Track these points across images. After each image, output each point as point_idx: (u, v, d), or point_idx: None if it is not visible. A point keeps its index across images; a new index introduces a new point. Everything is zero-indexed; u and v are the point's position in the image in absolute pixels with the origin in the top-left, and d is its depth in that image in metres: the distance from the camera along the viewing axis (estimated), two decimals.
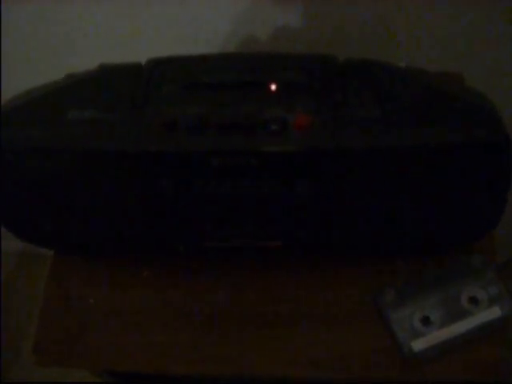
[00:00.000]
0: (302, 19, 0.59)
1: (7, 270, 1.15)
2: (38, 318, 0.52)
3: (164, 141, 0.41)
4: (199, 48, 0.62)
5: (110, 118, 0.42)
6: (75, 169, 0.42)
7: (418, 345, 0.47)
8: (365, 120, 0.41)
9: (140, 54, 0.46)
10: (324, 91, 0.42)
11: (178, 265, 0.53)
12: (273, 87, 0.42)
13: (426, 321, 0.48)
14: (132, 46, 0.61)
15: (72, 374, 0.89)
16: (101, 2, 0.59)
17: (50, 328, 0.52)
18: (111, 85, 0.44)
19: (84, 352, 0.50)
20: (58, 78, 0.46)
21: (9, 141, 0.42)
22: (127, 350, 0.50)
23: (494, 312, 0.48)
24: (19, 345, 1.05)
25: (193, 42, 0.62)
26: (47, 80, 0.47)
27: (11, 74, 0.66)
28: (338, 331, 0.50)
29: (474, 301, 0.48)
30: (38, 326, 0.52)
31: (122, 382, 0.66)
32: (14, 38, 0.64)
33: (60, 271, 0.54)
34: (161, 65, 0.45)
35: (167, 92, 0.43)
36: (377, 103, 0.41)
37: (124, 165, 0.42)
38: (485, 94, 0.44)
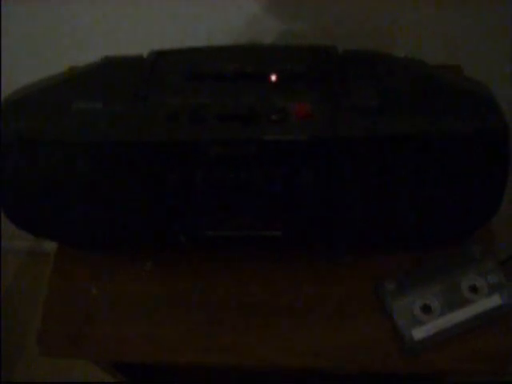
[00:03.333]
0: (303, 12, 0.59)
1: (8, 269, 1.15)
2: (42, 310, 0.52)
3: (166, 131, 0.41)
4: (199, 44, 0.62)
5: (113, 109, 0.42)
6: (78, 159, 0.43)
7: (419, 333, 0.47)
8: (364, 109, 0.41)
9: (142, 49, 0.47)
10: (324, 81, 0.43)
11: (180, 257, 0.54)
12: (273, 78, 0.43)
13: (426, 309, 0.48)
14: (134, 41, 0.62)
15: (72, 374, 0.89)
16: None
17: (54, 319, 0.52)
18: (114, 76, 0.45)
19: (88, 343, 0.51)
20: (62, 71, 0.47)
21: (12, 132, 0.43)
22: (131, 340, 0.50)
23: (494, 300, 0.48)
24: (20, 345, 1.05)
25: (193, 38, 0.62)
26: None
27: (16, 70, 0.67)
28: (339, 321, 0.50)
29: (473, 289, 0.49)
30: (42, 317, 0.52)
31: (127, 380, 0.67)
32: (17, 33, 0.65)
33: (64, 263, 0.55)
34: (163, 56, 0.45)
35: (169, 83, 0.44)
36: (376, 92, 0.42)
37: (127, 155, 0.42)
38: (483, 83, 0.45)
